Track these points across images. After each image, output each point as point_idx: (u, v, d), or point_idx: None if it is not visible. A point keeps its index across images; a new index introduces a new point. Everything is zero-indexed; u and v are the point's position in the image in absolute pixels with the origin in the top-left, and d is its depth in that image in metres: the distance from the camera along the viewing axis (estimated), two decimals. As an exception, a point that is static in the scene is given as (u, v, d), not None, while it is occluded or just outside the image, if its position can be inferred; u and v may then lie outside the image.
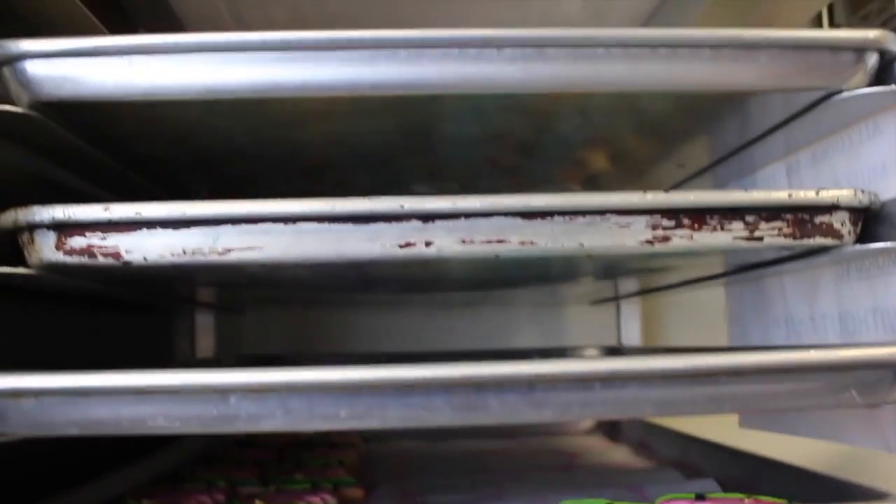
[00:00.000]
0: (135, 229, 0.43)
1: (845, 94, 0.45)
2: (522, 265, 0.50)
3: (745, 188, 0.62)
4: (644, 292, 0.98)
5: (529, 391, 0.41)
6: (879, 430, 0.48)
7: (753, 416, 0.67)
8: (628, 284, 0.94)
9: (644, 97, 0.47)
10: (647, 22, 0.78)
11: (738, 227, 0.44)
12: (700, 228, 0.44)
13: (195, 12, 0.73)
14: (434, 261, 0.44)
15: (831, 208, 0.45)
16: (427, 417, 0.41)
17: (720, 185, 0.67)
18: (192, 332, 1.03)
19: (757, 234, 0.45)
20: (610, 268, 0.63)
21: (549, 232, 0.43)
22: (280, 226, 0.42)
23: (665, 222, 0.44)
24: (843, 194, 0.44)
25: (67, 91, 0.43)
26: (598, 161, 0.67)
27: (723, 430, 0.71)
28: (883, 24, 0.97)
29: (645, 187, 0.79)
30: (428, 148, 0.59)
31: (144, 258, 0.43)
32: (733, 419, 0.69)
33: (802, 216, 0.45)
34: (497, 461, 0.84)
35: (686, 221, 0.44)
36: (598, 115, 0.53)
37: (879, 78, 0.46)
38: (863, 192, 0.45)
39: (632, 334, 1.10)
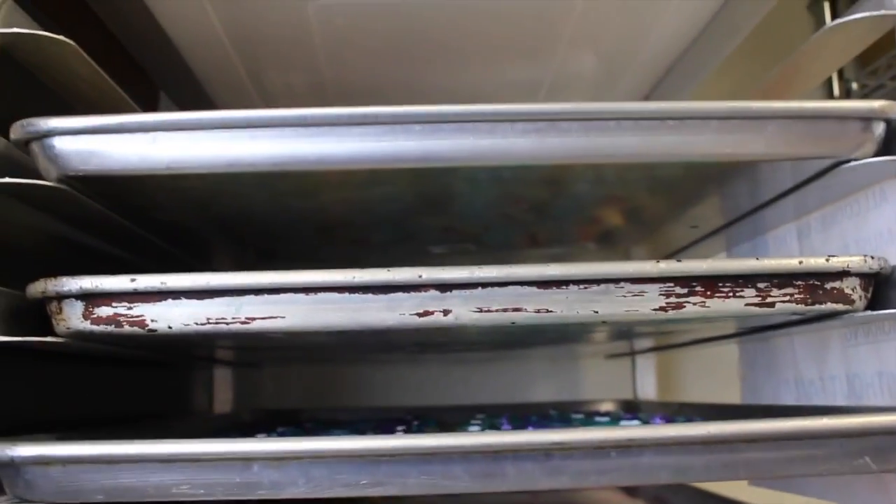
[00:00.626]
0: (160, 299, 0.44)
1: (853, 163, 0.46)
2: (538, 330, 0.51)
3: (757, 249, 0.63)
4: (659, 349, 0.98)
5: (546, 459, 0.41)
6: (886, 493, 0.48)
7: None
8: (644, 341, 0.95)
9: (654, 164, 0.48)
10: (662, 76, 0.79)
11: (750, 294, 0.45)
12: (713, 296, 0.45)
13: (217, 79, 0.74)
14: (451, 327, 0.45)
15: (842, 274, 0.45)
16: (446, 485, 0.41)
17: (733, 244, 0.68)
18: (211, 387, 1.03)
19: (769, 300, 0.45)
20: (625, 331, 0.64)
21: (565, 300, 0.44)
22: (301, 296, 0.43)
23: (678, 290, 0.45)
24: (853, 261, 0.45)
25: (94, 165, 0.45)
26: (612, 220, 0.68)
27: (735, 485, 0.72)
28: (893, 79, 0.98)
29: (658, 245, 0.80)
30: (443, 210, 0.60)
31: (169, 327, 0.44)
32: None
33: (813, 282, 0.45)
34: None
35: (699, 289, 0.45)
36: (611, 180, 0.53)
37: (886, 146, 0.46)
38: (872, 258, 0.45)
39: (647, 388, 1.10)
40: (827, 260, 0.45)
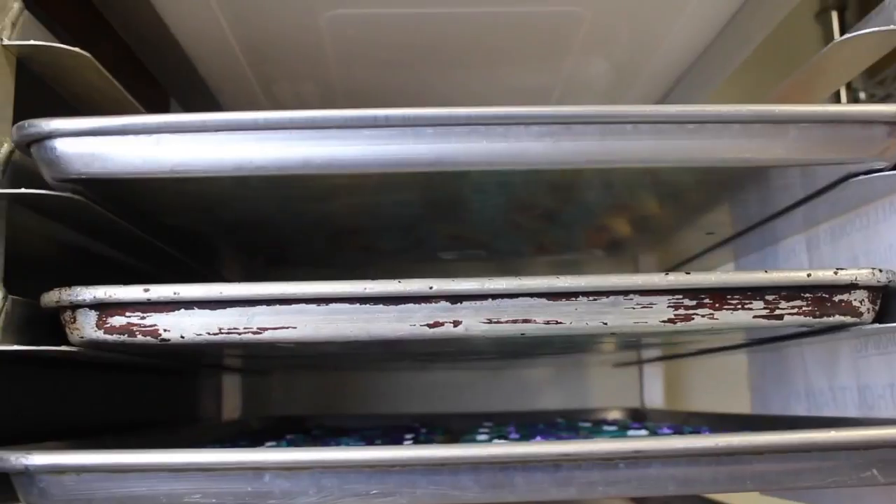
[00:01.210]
0: (173, 309, 0.44)
1: (863, 176, 0.46)
2: (547, 340, 0.51)
3: (766, 259, 0.63)
4: (667, 358, 0.98)
5: (555, 470, 0.42)
6: (896, 504, 0.49)
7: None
8: (651, 351, 0.95)
9: (668, 170, 0.48)
10: (672, 86, 0.79)
11: (758, 306, 0.45)
12: (721, 307, 0.45)
13: (228, 89, 0.75)
14: (461, 338, 0.45)
15: (850, 287, 0.45)
16: (455, 495, 0.41)
17: (741, 254, 0.68)
18: (219, 394, 1.04)
19: (777, 312, 0.45)
20: (633, 341, 0.64)
21: (574, 312, 0.44)
22: (312, 306, 0.44)
23: (687, 302, 0.45)
24: (861, 273, 0.45)
25: (97, 168, 0.44)
26: (621, 227, 0.68)
27: (746, 496, 0.72)
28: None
29: (667, 253, 0.81)
30: (453, 215, 0.60)
31: (181, 336, 0.44)
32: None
33: (822, 295, 0.45)
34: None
35: (707, 301, 0.45)
36: (623, 186, 0.54)
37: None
38: (881, 270, 0.45)
39: (655, 396, 1.09)
40: (835, 273, 0.45)
